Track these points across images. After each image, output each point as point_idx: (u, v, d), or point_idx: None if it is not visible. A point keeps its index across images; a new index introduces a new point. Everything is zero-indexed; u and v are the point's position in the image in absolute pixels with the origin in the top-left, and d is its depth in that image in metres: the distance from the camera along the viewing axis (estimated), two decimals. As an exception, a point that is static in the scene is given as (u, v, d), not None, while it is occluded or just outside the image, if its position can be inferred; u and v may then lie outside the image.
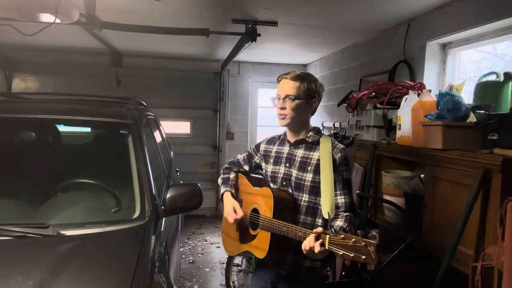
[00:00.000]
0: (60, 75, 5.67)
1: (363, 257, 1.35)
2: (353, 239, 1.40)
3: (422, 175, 2.41)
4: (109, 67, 5.86)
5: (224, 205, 2.00)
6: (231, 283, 3.74)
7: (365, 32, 3.92)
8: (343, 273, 2.83)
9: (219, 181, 2.12)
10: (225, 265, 3.87)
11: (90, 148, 2.90)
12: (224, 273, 3.86)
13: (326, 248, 1.48)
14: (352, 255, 1.38)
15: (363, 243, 1.37)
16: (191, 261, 4.61)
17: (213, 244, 5.22)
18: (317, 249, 1.51)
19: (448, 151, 2.07)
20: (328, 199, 1.73)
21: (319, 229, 1.55)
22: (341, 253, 1.42)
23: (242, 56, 5.35)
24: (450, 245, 1.95)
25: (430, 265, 2.22)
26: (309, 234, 1.57)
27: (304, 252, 1.58)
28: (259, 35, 3.67)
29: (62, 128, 2.93)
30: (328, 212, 1.71)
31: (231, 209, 1.93)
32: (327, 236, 1.49)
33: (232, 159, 2.20)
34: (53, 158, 2.53)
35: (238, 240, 2.00)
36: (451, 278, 1.97)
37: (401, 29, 3.48)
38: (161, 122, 4.06)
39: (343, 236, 1.43)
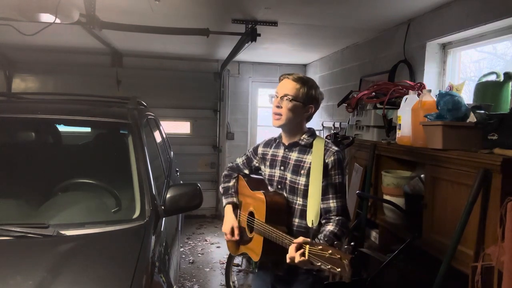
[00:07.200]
0: (60, 75, 5.67)
1: (338, 269, 1.32)
2: (330, 251, 1.37)
3: (422, 175, 2.41)
4: (109, 67, 5.86)
5: (224, 219, 2.02)
6: (231, 283, 3.74)
7: (365, 32, 3.91)
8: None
9: (221, 189, 2.13)
10: (225, 265, 3.87)
11: (90, 148, 2.91)
12: (224, 273, 3.86)
13: (306, 258, 1.47)
14: (329, 266, 1.36)
15: (338, 256, 1.34)
16: (191, 261, 4.61)
17: (213, 244, 5.22)
18: (297, 259, 1.50)
19: (448, 151, 2.07)
20: (314, 206, 1.70)
21: (300, 239, 1.52)
22: (319, 264, 1.40)
23: (242, 56, 5.35)
24: (450, 245, 1.95)
25: (430, 265, 2.21)
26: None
27: (288, 261, 1.56)
28: (259, 35, 3.67)
29: (62, 128, 2.93)
30: (312, 220, 1.68)
31: (228, 230, 1.96)
32: (307, 246, 1.48)
33: (231, 164, 2.18)
34: (53, 158, 2.54)
35: (239, 241, 2.01)
36: (451, 278, 1.98)
37: (401, 29, 3.48)
38: (161, 122, 4.06)
39: (321, 247, 1.42)
